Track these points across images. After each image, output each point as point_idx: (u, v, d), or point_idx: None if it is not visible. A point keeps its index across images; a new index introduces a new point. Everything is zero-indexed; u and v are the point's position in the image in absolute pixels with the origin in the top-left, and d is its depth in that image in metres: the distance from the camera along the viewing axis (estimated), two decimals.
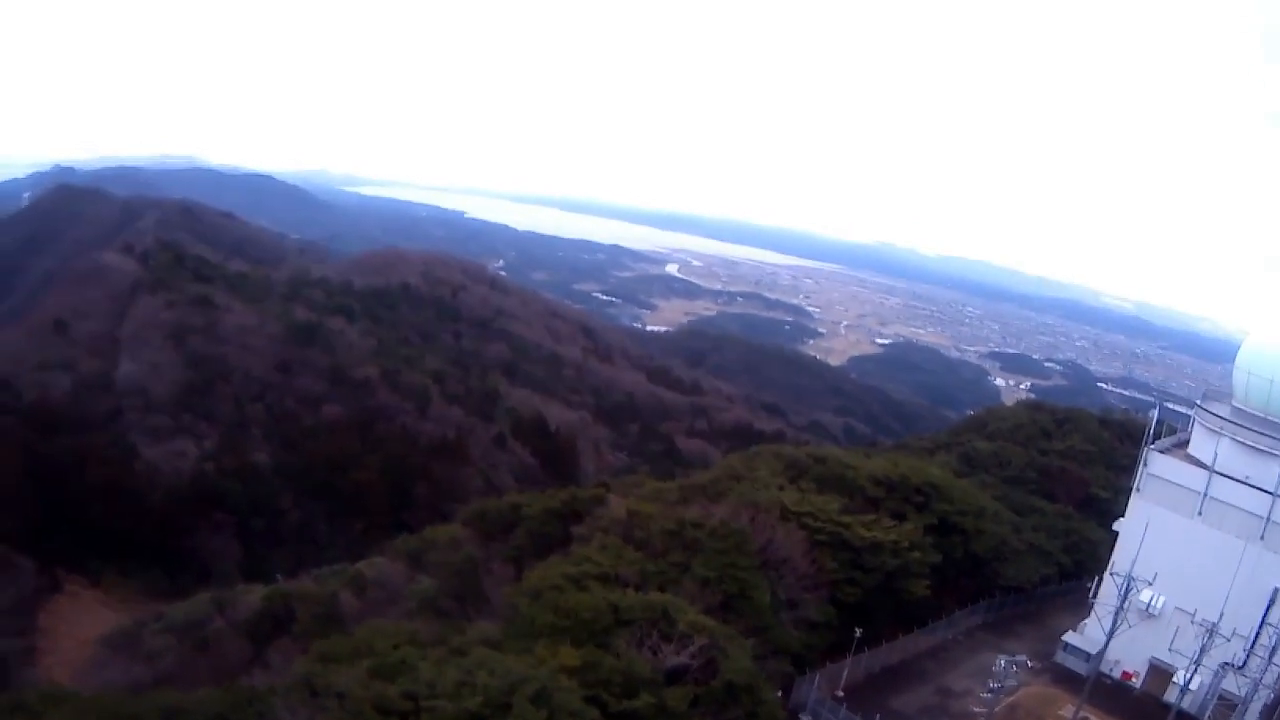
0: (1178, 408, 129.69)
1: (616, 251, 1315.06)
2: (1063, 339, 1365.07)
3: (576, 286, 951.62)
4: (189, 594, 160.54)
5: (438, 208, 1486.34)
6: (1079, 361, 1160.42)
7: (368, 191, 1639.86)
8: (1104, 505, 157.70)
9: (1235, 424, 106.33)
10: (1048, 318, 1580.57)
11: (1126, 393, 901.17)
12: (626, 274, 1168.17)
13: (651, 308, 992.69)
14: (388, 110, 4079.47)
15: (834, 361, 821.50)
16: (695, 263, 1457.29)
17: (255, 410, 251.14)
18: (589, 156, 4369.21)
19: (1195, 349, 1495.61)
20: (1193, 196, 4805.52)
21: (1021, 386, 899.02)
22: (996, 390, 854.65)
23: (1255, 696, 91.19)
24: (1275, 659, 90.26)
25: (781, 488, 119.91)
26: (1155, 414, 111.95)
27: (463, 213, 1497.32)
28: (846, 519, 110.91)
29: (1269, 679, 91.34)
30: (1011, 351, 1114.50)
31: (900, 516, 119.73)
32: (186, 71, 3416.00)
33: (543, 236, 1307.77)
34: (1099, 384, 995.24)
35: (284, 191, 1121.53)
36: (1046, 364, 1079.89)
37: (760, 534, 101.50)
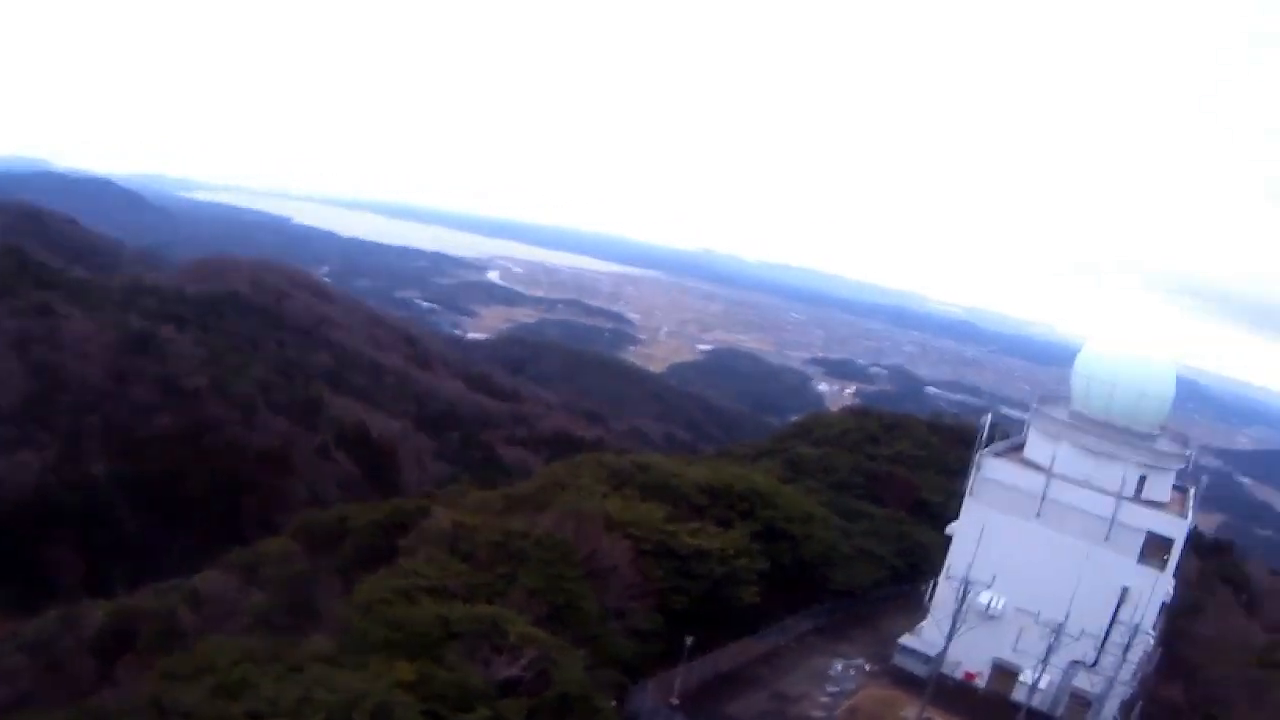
0: (1011, 412, 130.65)
1: (439, 258, 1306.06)
2: (889, 344, 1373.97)
3: (399, 293, 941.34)
4: (39, 611, 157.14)
5: (266, 213, 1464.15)
6: (906, 367, 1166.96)
7: (202, 196, 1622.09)
8: (935, 509, 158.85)
9: (1074, 428, 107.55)
10: (873, 323, 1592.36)
11: (956, 397, 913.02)
12: (448, 281, 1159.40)
13: (473, 315, 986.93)
14: (222, 113, 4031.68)
15: (655, 368, 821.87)
16: (516, 269, 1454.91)
17: (92, 421, 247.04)
18: (416, 161, 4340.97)
19: (1027, 353, 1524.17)
20: (1023, 201, 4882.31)
21: (846, 392, 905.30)
22: (820, 396, 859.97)
23: (1111, 693, 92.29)
24: (1129, 656, 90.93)
25: (605, 496, 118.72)
26: (988, 418, 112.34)
27: (290, 218, 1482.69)
28: (671, 527, 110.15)
29: (1124, 676, 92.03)
30: (836, 357, 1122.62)
31: (726, 524, 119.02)
32: (37, 73, 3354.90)
33: (367, 243, 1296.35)
34: (927, 388, 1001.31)
35: (122, 196, 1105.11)
36: (872, 369, 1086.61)
37: (585, 544, 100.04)
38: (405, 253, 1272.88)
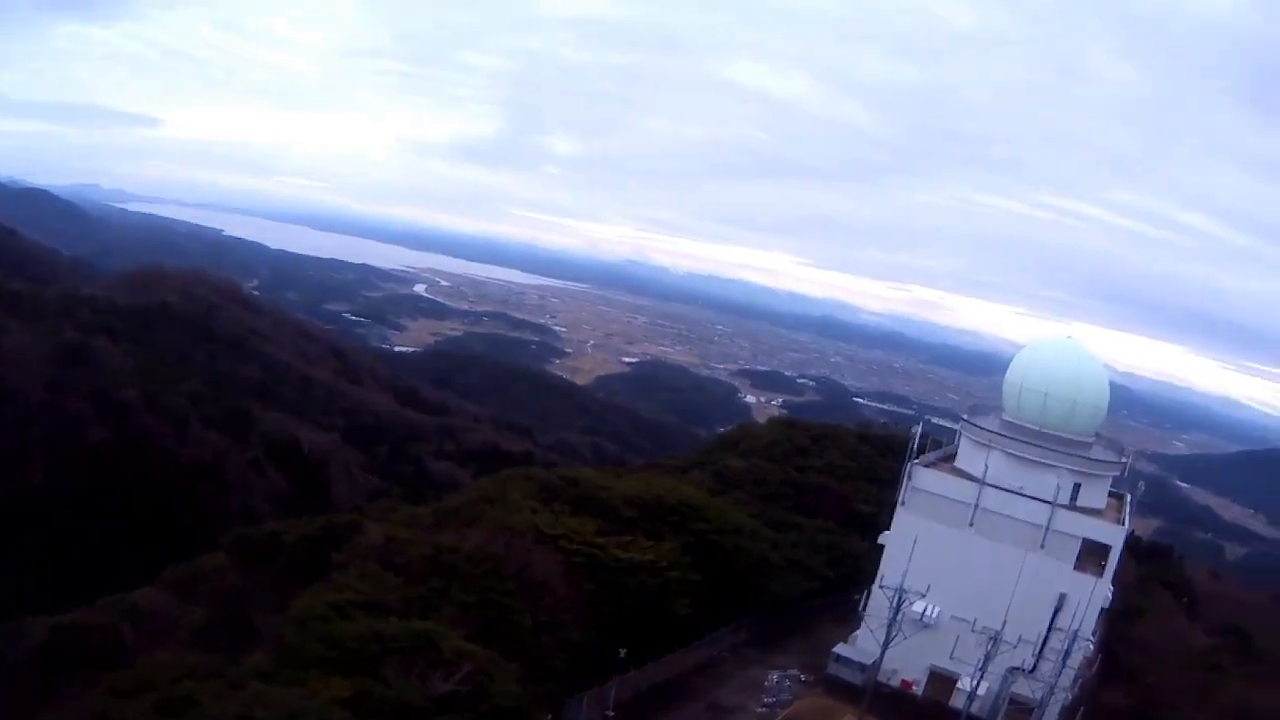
0: (942, 422, 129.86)
1: (366, 271, 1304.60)
2: (816, 355, 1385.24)
3: (327, 306, 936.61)
4: None
5: (198, 224, 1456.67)
6: (834, 377, 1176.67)
7: (135, 208, 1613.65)
8: (866, 519, 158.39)
9: (1007, 437, 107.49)
10: (801, 335, 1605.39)
11: (885, 407, 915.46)
12: (376, 294, 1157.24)
13: (400, 328, 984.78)
14: (156, 123, 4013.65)
15: (581, 381, 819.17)
16: (443, 282, 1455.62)
17: (33, 433, 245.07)
18: (346, 173, 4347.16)
19: (956, 363, 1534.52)
20: (948, 211, 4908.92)
21: (774, 403, 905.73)
22: (748, 407, 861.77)
23: (1052, 699, 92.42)
24: (1069, 662, 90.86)
25: (535, 511, 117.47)
26: (918, 429, 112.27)
27: (221, 230, 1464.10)
28: (602, 541, 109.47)
29: (1064, 682, 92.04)
30: (763, 369, 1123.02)
31: (656, 537, 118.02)
32: None
33: (296, 255, 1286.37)
34: (855, 399, 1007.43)
35: (59, 207, 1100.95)
36: (799, 380, 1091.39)
37: (516, 558, 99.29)
38: (333, 265, 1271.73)
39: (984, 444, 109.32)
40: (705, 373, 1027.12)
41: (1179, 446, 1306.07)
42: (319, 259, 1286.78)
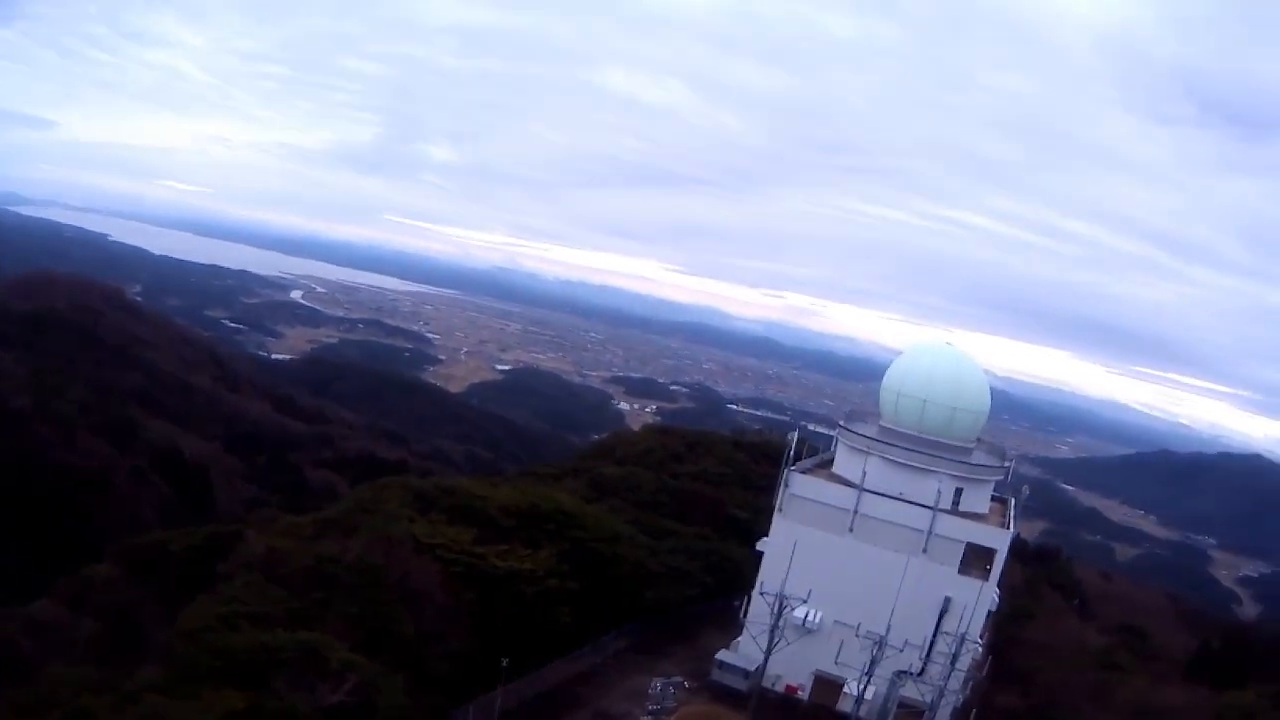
0: (817, 428, 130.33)
1: (245, 277, 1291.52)
2: (689, 362, 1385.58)
3: (207, 313, 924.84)
4: None
5: (84, 229, 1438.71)
6: (707, 384, 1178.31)
7: (29, 211, 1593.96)
8: (744, 525, 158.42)
9: (885, 443, 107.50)
10: (673, 341, 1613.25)
11: (759, 413, 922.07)
12: (254, 300, 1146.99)
13: (277, 335, 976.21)
14: (51, 125, 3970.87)
15: (454, 388, 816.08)
16: (319, 289, 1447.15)
17: None
18: (228, 177, 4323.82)
19: (830, 368, 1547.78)
20: (828, 215, 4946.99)
21: (648, 410, 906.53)
22: (622, 415, 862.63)
23: (942, 702, 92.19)
24: (958, 665, 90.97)
25: (412, 520, 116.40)
26: (794, 435, 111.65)
27: (107, 235, 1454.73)
28: (480, 550, 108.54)
29: (954, 684, 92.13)
30: (636, 376, 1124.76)
31: (534, 545, 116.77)
32: None
33: (178, 261, 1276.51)
34: (730, 406, 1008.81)
35: None
36: (673, 387, 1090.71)
37: (396, 568, 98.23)
38: (213, 272, 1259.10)
39: (862, 450, 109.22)
40: (578, 380, 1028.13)
41: (1063, 450, 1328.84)
42: (200, 265, 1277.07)
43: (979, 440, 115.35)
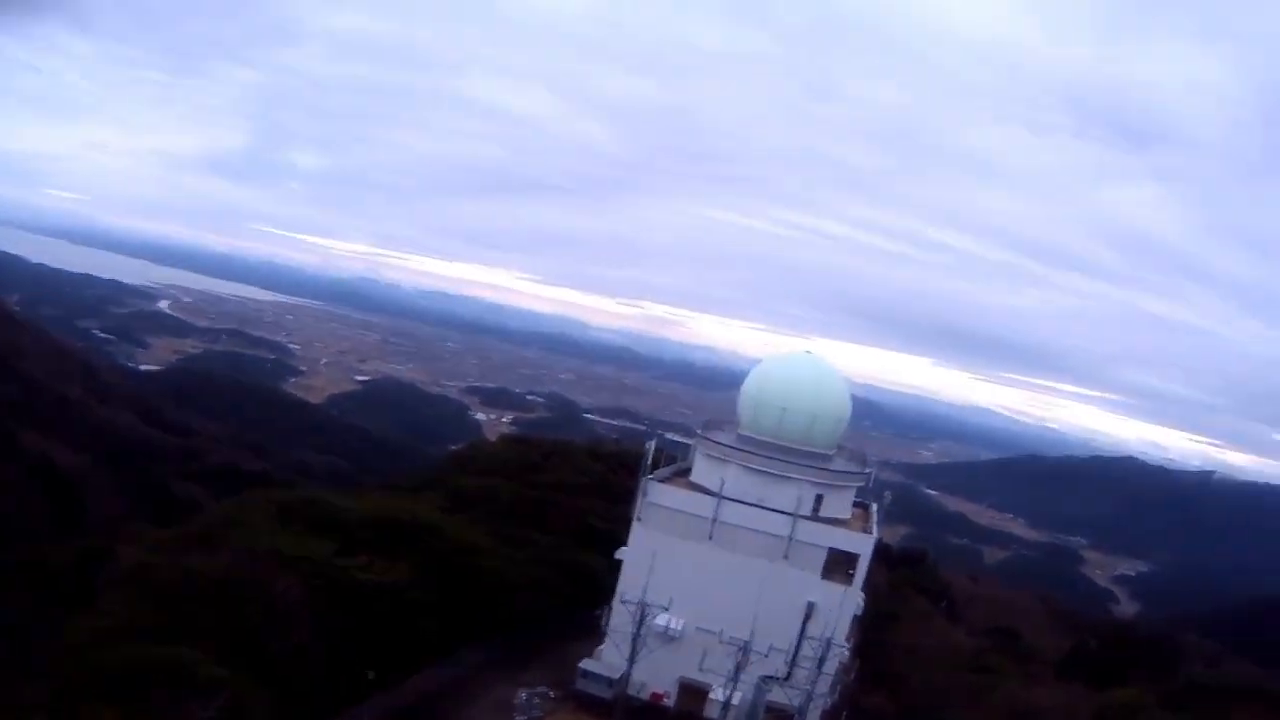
0: (676, 437, 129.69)
1: (116, 287, 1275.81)
2: (546, 372, 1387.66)
3: (80, 322, 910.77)
4: None
5: None
6: (564, 394, 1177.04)
7: None
8: (603, 535, 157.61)
9: (744, 451, 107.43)
10: (531, 351, 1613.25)
11: (616, 423, 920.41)
12: (124, 310, 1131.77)
13: (145, 345, 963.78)
14: None
15: (315, 399, 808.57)
16: (186, 299, 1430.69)
17: None
18: (105, 184, 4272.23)
19: (688, 378, 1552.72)
20: (685, 227, 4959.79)
21: (504, 420, 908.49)
22: (479, 425, 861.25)
23: (810, 706, 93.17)
24: (825, 669, 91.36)
25: (276, 533, 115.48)
26: (652, 444, 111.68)
27: None
28: (342, 562, 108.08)
29: (821, 688, 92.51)
30: (492, 386, 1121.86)
31: (395, 557, 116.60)
32: None
33: (54, 269, 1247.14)
34: (586, 415, 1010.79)
35: None
36: (529, 397, 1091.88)
37: (261, 582, 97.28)
38: (86, 281, 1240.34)
39: (720, 458, 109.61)
40: (436, 390, 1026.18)
41: (926, 456, 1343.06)
42: (74, 274, 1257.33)
43: (840, 447, 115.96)
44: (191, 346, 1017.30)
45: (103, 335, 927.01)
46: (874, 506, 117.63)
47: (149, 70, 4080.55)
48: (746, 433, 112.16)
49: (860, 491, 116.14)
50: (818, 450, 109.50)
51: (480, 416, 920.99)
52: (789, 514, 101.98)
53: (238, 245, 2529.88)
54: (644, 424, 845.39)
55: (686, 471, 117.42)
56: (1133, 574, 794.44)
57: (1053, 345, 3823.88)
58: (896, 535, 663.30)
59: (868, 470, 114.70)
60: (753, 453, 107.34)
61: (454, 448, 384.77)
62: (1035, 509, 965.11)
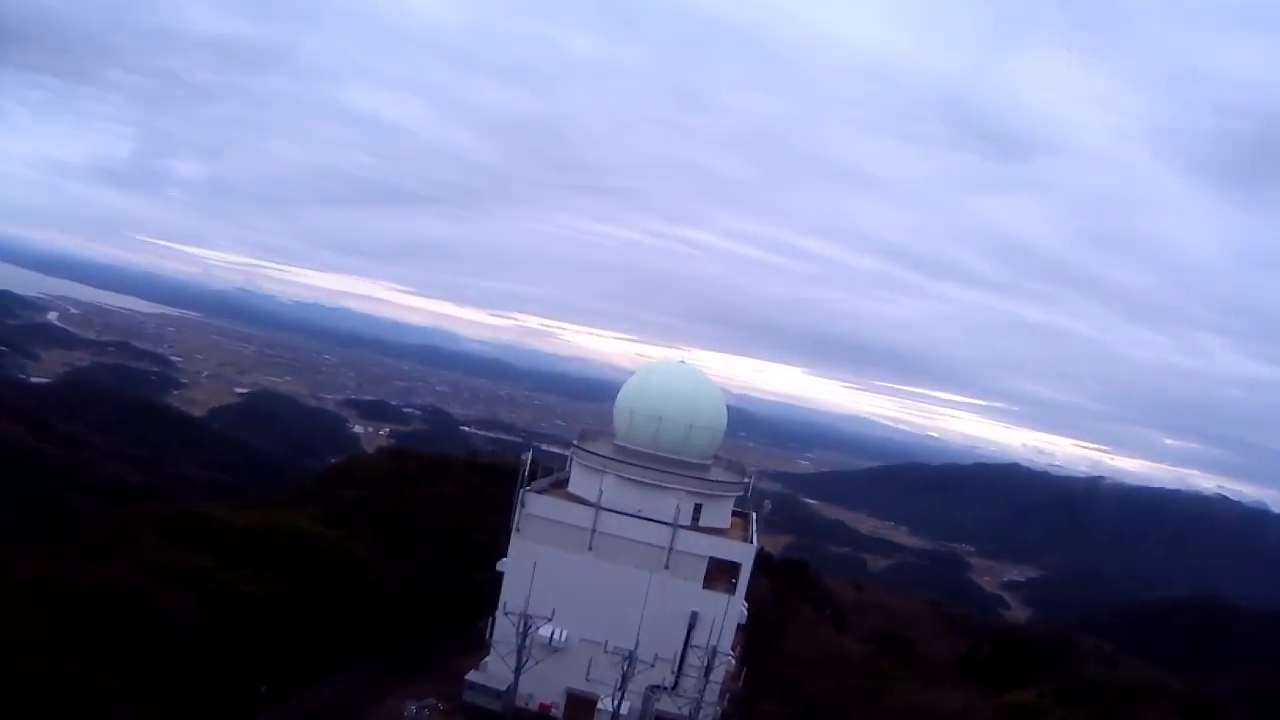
0: (551, 448, 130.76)
1: (6, 298, 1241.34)
2: (421, 384, 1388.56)
3: None
4: None
5: None
6: (440, 406, 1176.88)
7: None
8: (484, 547, 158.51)
9: (620, 461, 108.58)
10: (405, 364, 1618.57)
11: (492, 435, 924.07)
12: (15, 322, 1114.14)
13: (34, 357, 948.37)
14: None
15: (197, 412, 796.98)
16: (73, 310, 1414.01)
17: None
18: None
19: (562, 389, 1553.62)
20: (556, 237, 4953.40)
21: (381, 433, 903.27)
22: (357, 438, 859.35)
23: (700, 714, 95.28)
24: (711, 677, 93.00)
25: (162, 547, 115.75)
26: (528, 455, 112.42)
27: None
28: (227, 576, 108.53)
29: (710, 696, 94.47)
30: (369, 398, 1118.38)
31: (277, 570, 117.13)
32: None
33: None
34: (462, 427, 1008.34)
35: None
36: (406, 410, 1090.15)
37: (150, 595, 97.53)
38: None
39: (597, 469, 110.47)
40: (314, 403, 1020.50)
41: (804, 465, 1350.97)
42: None
43: (717, 457, 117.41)
44: (79, 359, 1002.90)
45: None
46: (753, 515, 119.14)
47: (41, 74, 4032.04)
48: (623, 443, 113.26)
49: (739, 500, 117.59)
50: (695, 460, 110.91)
51: (358, 429, 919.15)
52: (668, 524, 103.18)
53: (121, 255, 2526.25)
54: (520, 436, 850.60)
55: (565, 482, 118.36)
56: (1022, 580, 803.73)
57: (931, 354, 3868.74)
58: (778, 545, 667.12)
59: (746, 480, 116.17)
60: (630, 463, 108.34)
61: (333, 460, 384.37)
62: (918, 517, 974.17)
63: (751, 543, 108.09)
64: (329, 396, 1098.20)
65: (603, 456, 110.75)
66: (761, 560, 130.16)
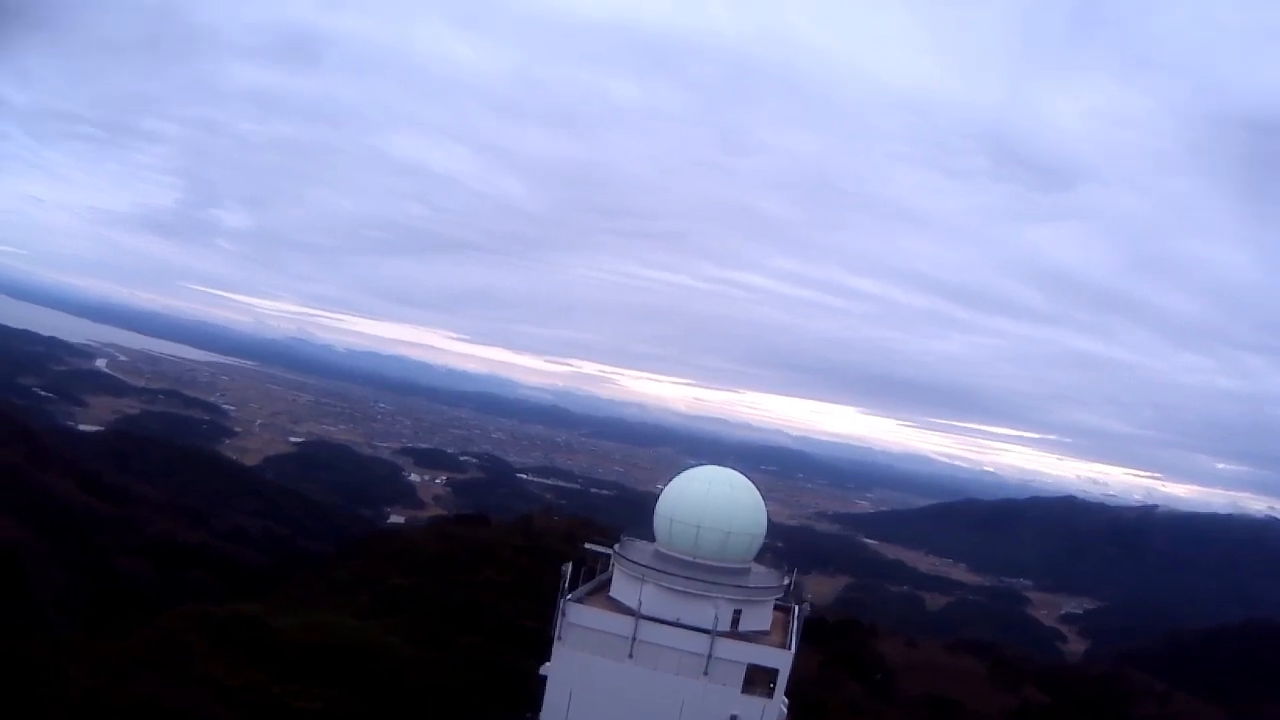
0: (597, 547, 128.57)
1: (54, 344, 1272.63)
2: (478, 432, 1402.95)
3: (20, 379, 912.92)
4: None
5: None
6: (496, 453, 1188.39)
7: None
8: (531, 635, 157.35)
9: (660, 570, 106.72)
10: (462, 411, 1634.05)
11: (549, 481, 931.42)
12: (62, 368, 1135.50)
13: (84, 404, 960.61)
14: None
15: (250, 461, 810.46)
16: (122, 358, 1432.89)
17: None
18: (42, 239, 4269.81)
19: (619, 435, 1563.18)
20: (608, 283, 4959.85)
21: (438, 481, 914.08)
22: (412, 487, 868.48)
23: None
24: None
25: (211, 657, 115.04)
26: (568, 567, 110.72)
27: None
28: (278, 690, 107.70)
29: None
30: (425, 446, 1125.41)
31: (326, 679, 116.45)
32: None
33: None
34: (519, 475, 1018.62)
35: None
36: (462, 458, 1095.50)
37: (204, 715, 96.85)
38: (25, 337, 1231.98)
39: (637, 577, 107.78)
40: (369, 452, 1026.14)
41: (863, 505, 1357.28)
42: (13, 330, 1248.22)
43: (756, 560, 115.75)
44: (129, 407, 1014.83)
45: (43, 394, 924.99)
46: (795, 610, 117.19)
47: (82, 124, 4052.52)
48: (663, 549, 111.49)
49: (786, 593, 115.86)
50: (734, 565, 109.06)
51: (414, 478, 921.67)
52: (707, 631, 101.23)
53: (170, 304, 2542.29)
54: (577, 482, 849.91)
55: (607, 584, 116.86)
56: (1079, 612, 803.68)
57: (984, 389, 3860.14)
58: (837, 587, 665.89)
59: (785, 582, 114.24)
60: (669, 572, 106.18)
61: (390, 518, 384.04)
62: (976, 553, 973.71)
63: (789, 647, 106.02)
64: (384, 445, 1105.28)
65: (642, 565, 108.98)
66: (812, 625, 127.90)
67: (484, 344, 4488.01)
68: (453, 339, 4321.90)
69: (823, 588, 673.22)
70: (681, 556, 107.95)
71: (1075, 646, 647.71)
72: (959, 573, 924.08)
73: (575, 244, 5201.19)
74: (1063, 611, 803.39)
